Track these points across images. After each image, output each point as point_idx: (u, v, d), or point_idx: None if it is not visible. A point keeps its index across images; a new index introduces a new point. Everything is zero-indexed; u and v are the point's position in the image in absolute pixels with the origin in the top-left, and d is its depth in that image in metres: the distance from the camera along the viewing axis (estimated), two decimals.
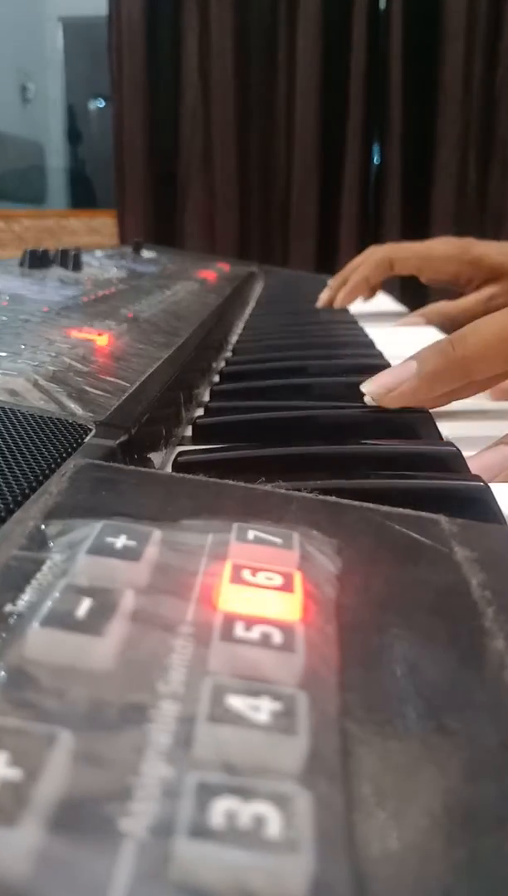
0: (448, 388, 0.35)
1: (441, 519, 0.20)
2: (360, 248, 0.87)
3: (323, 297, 0.79)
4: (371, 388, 0.36)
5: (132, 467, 0.23)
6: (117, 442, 0.24)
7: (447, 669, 0.14)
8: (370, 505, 0.20)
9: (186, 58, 1.77)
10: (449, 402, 0.37)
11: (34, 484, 0.19)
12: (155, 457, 0.29)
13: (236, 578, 0.15)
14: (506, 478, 0.30)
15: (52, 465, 0.21)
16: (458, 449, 0.31)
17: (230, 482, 0.21)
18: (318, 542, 0.18)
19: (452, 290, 0.77)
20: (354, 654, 0.14)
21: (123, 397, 0.30)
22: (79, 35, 2.79)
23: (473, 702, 0.13)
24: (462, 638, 0.15)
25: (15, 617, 0.13)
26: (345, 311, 0.78)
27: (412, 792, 0.11)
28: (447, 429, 0.35)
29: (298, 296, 0.93)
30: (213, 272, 0.94)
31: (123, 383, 0.32)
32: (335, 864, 0.09)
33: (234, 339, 0.62)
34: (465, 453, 0.31)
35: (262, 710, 0.11)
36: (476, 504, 0.26)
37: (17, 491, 0.19)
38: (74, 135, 2.93)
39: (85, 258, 0.75)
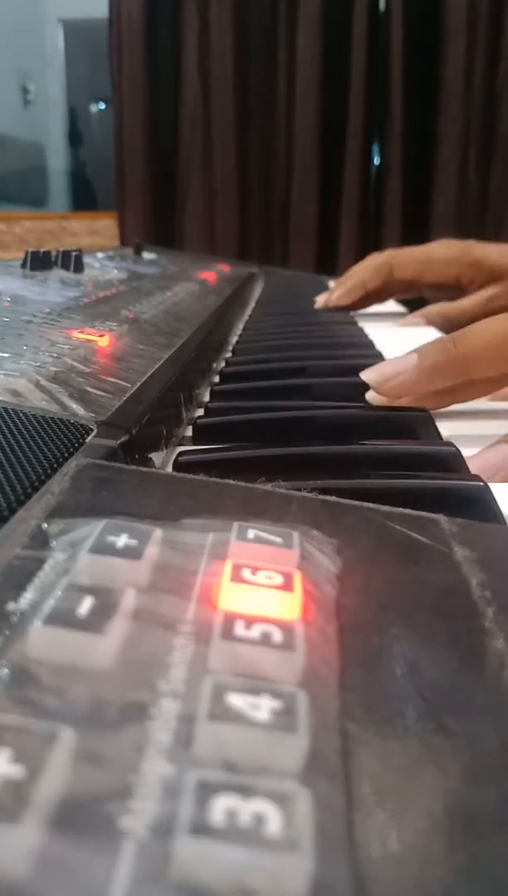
0: (446, 383, 0.36)
1: (441, 519, 0.20)
2: (360, 248, 0.87)
3: (320, 300, 0.79)
4: (371, 377, 0.36)
5: (133, 467, 0.23)
6: (119, 442, 0.25)
7: (446, 669, 0.14)
8: (370, 505, 0.20)
9: (186, 58, 1.77)
10: (448, 403, 0.37)
11: (36, 483, 0.20)
12: (156, 457, 0.29)
13: (237, 577, 0.15)
14: (505, 477, 0.30)
15: (54, 465, 0.21)
16: (458, 449, 0.31)
17: (231, 482, 0.21)
18: (318, 541, 0.18)
19: (451, 293, 0.77)
20: (354, 654, 0.14)
21: (125, 398, 0.30)
22: (79, 36, 2.79)
23: (473, 702, 0.13)
24: (462, 638, 0.15)
25: (17, 615, 0.14)
26: (345, 311, 0.78)
27: (412, 792, 0.11)
28: (447, 429, 0.35)
29: (298, 296, 0.93)
30: (213, 273, 0.94)
31: (125, 384, 0.32)
32: (335, 864, 0.09)
33: (234, 339, 0.62)
34: (465, 453, 0.31)
35: (262, 708, 0.11)
36: (475, 504, 0.26)
37: (20, 490, 0.19)
38: (74, 136, 2.93)
39: (86, 260, 0.75)
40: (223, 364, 0.51)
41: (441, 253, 0.75)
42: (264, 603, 0.15)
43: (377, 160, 1.79)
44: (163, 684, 0.12)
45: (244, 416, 0.38)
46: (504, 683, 0.14)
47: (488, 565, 0.18)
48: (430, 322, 0.74)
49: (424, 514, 0.20)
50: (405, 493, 0.27)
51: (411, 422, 0.35)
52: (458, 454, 0.30)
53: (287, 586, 0.15)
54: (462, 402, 0.38)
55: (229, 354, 0.56)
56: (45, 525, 0.17)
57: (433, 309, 0.76)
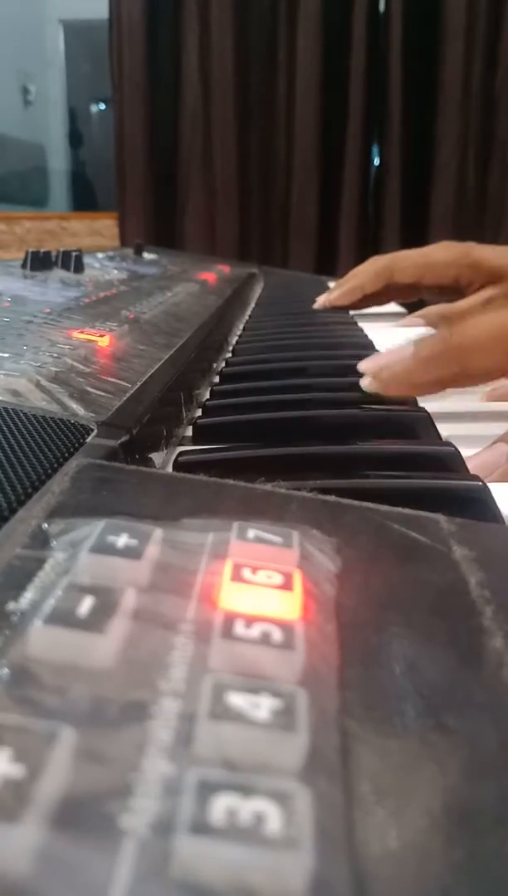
0: (441, 372, 0.36)
1: (440, 518, 0.20)
2: (360, 248, 0.87)
3: (319, 300, 0.79)
4: (368, 366, 0.37)
5: (133, 467, 0.23)
6: (119, 442, 0.25)
7: (445, 668, 0.14)
8: (370, 504, 0.20)
9: (186, 58, 1.78)
10: (441, 389, 0.38)
11: (37, 483, 0.20)
12: (156, 457, 0.29)
13: (237, 577, 0.15)
14: (503, 475, 0.30)
15: (55, 465, 0.21)
16: (457, 449, 0.31)
17: (231, 482, 0.21)
18: (318, 541, 0.18)
19: (451, 295, 0.77)
20: (353, 653, 0.14)
21: (125, 398, 0.30)
22: (80, 37, 2.79)
23: (471, 700, 0.13)
24: (461, 636, 0.15)
25: (18, 615, 0.14)
26: (345, 312, 0.78)
27: (412, 790, 0.11)
28: (446, 429, 0.35)
29: (298, 297, 0.93)
30: (213, 273, 0.94)
31: (125, 384, 0.32)
32: (335, 862, 0.10)
33: (234, 339, 0.62)
34: (464, 453, 0.31)
35: (262, 707, 0.11)
36: (474, 503, 0.26)
37: (20, 490, 0.19)
38: (75, 137, 2.93)
39: (86, 260, 0.75)
40: (223, 364, 0.51)
41: (441, 255, 0.76)
42: (264, 602, 0.15)
43: (376, 161, 1.80)
44: (163, 683, 0.12)
45: (244, 416, 0.38)
46: (502, 681, 0.14)
47: (487, 564, 0.18)
48: (429, 323, 0.74)
49: (423, 513, 0.20)
50: (405, 492, 0.27)
51: (410, 422, 0.35)
52: (457, 454, 0.30)
53: (287, 586, 0.15)
54: (454, 388, 0.38)
55: (229, 355, 0.56)
56: (46, 525, 0.17)
57: (432, 310, 0.76)
